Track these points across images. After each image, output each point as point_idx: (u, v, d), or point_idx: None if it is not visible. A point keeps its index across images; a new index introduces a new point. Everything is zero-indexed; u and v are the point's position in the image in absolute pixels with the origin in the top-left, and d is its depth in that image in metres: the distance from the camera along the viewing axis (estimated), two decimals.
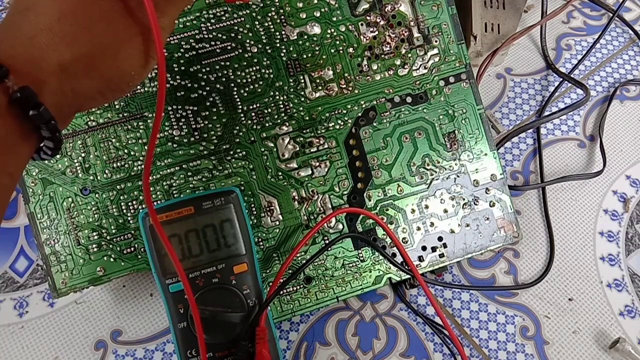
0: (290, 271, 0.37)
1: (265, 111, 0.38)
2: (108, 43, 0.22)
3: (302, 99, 0.38)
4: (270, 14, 0.38)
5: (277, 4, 0.38)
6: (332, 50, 0.39)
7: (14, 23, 0.21)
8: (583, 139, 0.50)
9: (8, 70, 0.19)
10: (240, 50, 0.38)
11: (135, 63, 0.23)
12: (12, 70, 0.20)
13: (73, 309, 0.41)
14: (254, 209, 0.38)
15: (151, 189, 0.37)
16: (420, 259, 0.39)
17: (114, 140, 0.37)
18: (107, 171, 0.37)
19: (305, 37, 0.38)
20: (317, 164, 0.38)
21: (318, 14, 0.38)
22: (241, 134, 0.38)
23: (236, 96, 0.38)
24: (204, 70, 0.37)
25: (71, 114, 0.23)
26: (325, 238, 0.38)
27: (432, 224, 0.39)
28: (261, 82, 0.38)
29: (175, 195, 0.37)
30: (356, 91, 0.39)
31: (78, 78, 0.22)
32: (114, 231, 0.37)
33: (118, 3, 0.22)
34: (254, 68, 0.38)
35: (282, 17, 0.38)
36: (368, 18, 0.39)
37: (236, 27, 0.38)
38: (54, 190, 0.37)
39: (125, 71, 0.23)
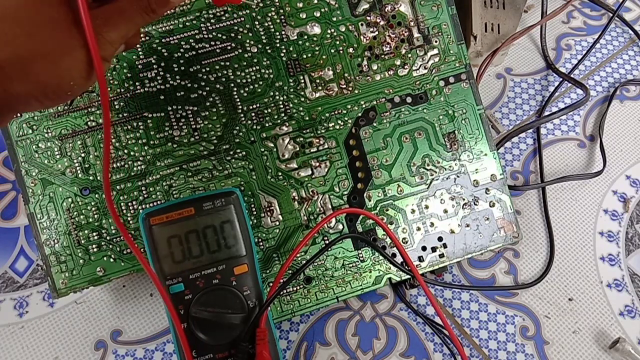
0: (290, 271, 0.37)
1: (265, 111, 0.38)
2: (48, 50, 0.22)
3: (302, 99, 0.38)
4: (270, 14, 0.38)
5: (277, 4, 0.38)
6: (332, 50, 0.39)
7: None
8: (583, 139, 0.50)
9: None
10: (240, 50, 0.38)
11: (75, 74, 0.23)
12: None
13: (73, 309, 0.41)
14: (254, 209, 0.38)
15: (151, 189, 0.37)
16: (420, 259, 0.39)
17: (113, 140, 0.37)
18: None
19: (305, 37, 0.38)
20: (317, 164, 0.38)
21: (318, 14, 0.38)
22: (241, 134, 0.38)
23: (236, 96, 0.38)
24: (204, 70, 0.37)
25: (4, 114, 0.23)
26: (325, 238, 0.38)
27: (432, 224, 0.39)
28: (261, 82, 0.38)
29: (175, 196, 0.37)
30: (356, 91, 0.39)
31: (12, 79, 0.21)
32: (114, 231, 0.37)
33: (66, 12, 0.22)
34: (254, 68, 0.38)
35: (282, 17, 0.38)
36: (368, 18, 0.39)
37: (236, 27, 0.38)
38: (54, 190, 0.36)
39: (64, 80, 0.23)
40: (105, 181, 0.27)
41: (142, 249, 0.37)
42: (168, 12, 0.35)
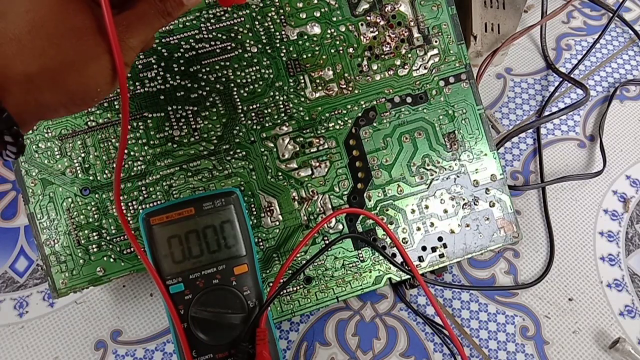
0: (290, 271, 0.37)
1: (265, 111, 0.38)
2: (76, 59, 0.22)
3: (302, 99, 0.38)
4: (270, 14, 0.38)
5: (277, 4, 0.38)
6: (332, 50, 0.39)
7: None
8: (583, 139, 0.50)
9: None
10: (240, 50, 0.38)
11: (101, 80, 0.23)
12: None
13: (73, 309, 0.41)
14: (254, 209, 0.38)
15: (151, 189, 0.37)
16: (420, 259, 0.39)
17: (113, 140, 0.37)
18: (107, 171, 0.37)
19: (305, 37, 0.38)
20: (317, 164, 0.38)
21: (318, 14, 0.38)
22: (241, 134, 0.38)
23: (236, 96, 0.38)
24: (204, 70, 0.37)
25: (33, 122, 0.23)
26: (325, 238, 0.38)
27: (432, 224, 0.39)
28: (261, 82, 0.38)
29: (175, 196, 0.37)
30: (356, 91, 0.39)
31: (42, 90, 0.22)
32: (114, 231, 0.37)
33: (90, 20, 0.22)
34: (254, 68, 0.38)
35: (282, 17, 0.38)
36: (368, 18, 0.39)
37: (236, 27, 0.38)
38: (54, 190, 0.36)
39: (90, 87, 0.23)
40: (117, 182, 0.27)
41: (142, 249, 0.37)
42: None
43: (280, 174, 0.38)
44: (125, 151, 0.37)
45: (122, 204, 0.37)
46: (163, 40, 0.37)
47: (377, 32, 0.39)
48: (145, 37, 0.25)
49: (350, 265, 0.38)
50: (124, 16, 0.24)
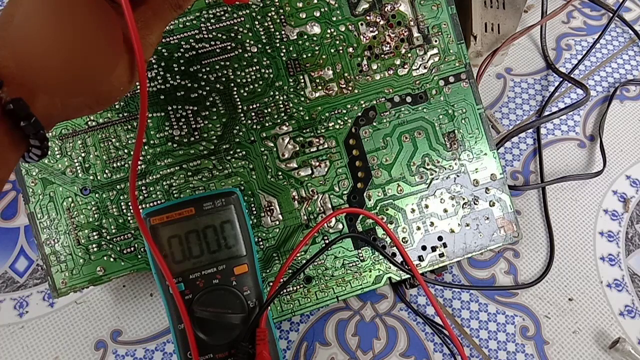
0: (290, 271, 0.37)
1: (265, 111, 0.38)
2: (101, 61, 0.22)
3: (302, 99, 0.38)
4: (270, 14, 0.38)
5: (277, 4, 0.38)
6: (332, 50, 0.39)
7: (8, 33, 0.21)
8: (583, 139, 0.50)
9: (2, 81, 0.19)
10: (240, 50, 0.38)
11: (124, 79, 0.24)
12: (6, 82, 0.20)
13: (73, 309, 0.41)
14: (254, 208, 0.38)
15: (151, 188, 0.37)
16: (420, 258, 0.39)
17: (114, 140, 0.37)
18: (107, 171, 0.37)
19: (305, 37, 0.38)
20: (317, 163, 0.38)
21: (318, 14, 0.38)
22: (241, 133, 0.38)
23: (236, 96, 0.38)
24: (204, 70, 0.37)
25: (56, 122, 0.24)
26: (325, 238, 0.38)
27: (432, 224, 0.39)
28: (261, 82, 0.38)
29: (175, 195, 0.37)
30: (356, 91, 0.39)
31: (69, 93, 0.22)
32: (114, 231, 0.37)
33: (112, 19, 0.22)
34: (254, 68, 0.38)
35: (282, 17, 0.38)
36: (368, 18, 0.39)
37: (236, 27, 0.38)
38: (54, 190, 0.36)
39: (114, 87, 0.23)
40: (132, 181, 0.27)
41: (142, 249, 0.37)
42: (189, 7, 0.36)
43: (280, 173, 0.38)
44: (125, 150, 0.37)
45: (123, 203, 0.37)
46: (163, 40, 0.37)
47: (376, 32, 0.39)
48: (161, 32, 0.25)
49: (350, 264, 0.38)
50: (140, 13, 0.24)
